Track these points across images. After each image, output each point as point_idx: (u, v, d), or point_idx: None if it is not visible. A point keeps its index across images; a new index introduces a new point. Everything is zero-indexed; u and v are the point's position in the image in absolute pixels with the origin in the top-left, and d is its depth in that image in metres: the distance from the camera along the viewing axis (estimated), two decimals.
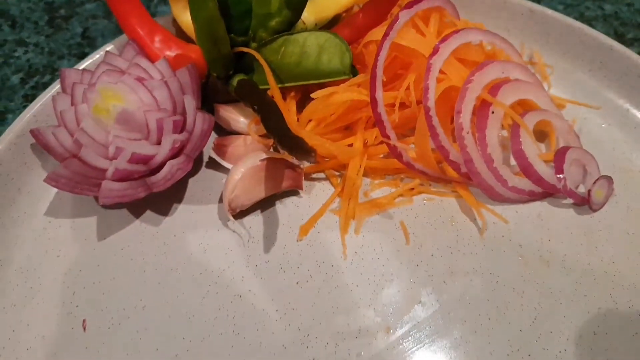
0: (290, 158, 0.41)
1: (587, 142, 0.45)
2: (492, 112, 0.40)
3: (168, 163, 0.37)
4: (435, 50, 0.39)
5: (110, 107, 0.37)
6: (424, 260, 0.39)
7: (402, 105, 0.42)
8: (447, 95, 0.41)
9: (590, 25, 0.58)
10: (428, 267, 0.38)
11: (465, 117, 0.39)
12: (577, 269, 0.38)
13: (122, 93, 0.37)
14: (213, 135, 0.45)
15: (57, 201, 0.42)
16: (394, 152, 0.41)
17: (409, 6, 0.40)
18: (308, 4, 0.48)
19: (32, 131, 0.39)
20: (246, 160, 0.39)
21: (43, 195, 0.42)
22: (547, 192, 0.41)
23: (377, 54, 0.39)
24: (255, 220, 0.41)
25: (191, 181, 0.43)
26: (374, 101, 0.39)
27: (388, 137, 0.40)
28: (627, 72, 0.46)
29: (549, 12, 0.49)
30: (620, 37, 0.57)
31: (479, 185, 0.41)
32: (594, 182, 0.41)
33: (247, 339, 0.35)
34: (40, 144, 0.39)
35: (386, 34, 0.39)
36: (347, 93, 0.40)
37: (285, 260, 0.39)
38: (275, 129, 0.37)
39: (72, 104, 0.39)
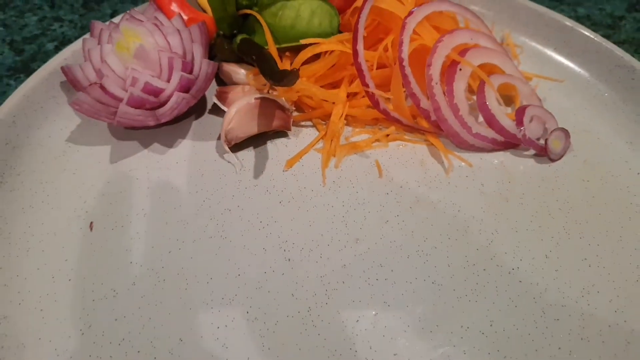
0: (280, 100, 0.47)
1: (552, 110, 0.50)
2: (460, 69, 0.46)
3: (175, 94, 0.44)
4: (410, 13, 0.46)
5: (131, 44, 0.44)
6: (393, 190, 0.44)
7: (383, 66, 0.49)
8: (420, 54, 0.47)
9: None
10: (397, 196, 0.44)
11: (434, 70, 0.46)
12: (534, 205, 0.43)
13: (141, 34, 0.45)
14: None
15: (78, 131, 0.48)
16: (372, 100, 0.47)
17: None
18: None
19: (62, 68, 0.46)
20: (242, 99, 0.46)
21: (66, 125, 0.48)
22: (509, 142, 0.47)
23: (359, 13, 0.46)
24: (248, 154, 0.47)
25: (195, 123, 0.50)
26: (355, 53, 0.46)
27: (367, 86, 0.46)
28: (587, 49, 0.53)
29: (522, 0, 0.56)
30: None
31: (446, 131, 0.46)
32: (551, 132, 0.46)
33: (232, 242, 0.40)
34: (68, 79, 0.46)
35: None
36: (331, 44, 0.47)
37: (271, 185, 0.44)
38: (268, 70, 0.43)
39: (99, 43, 0.46)
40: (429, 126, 0.48)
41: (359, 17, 0.46)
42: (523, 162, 0.47)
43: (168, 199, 0.43)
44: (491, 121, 0.46)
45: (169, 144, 0.48)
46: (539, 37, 0.56)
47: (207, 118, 0.50)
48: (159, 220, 0.42)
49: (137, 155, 0.47)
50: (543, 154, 0.46)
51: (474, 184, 0.45)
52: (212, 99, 0.51)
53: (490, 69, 0.50)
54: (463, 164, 0.46)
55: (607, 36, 0.63)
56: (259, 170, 0.45)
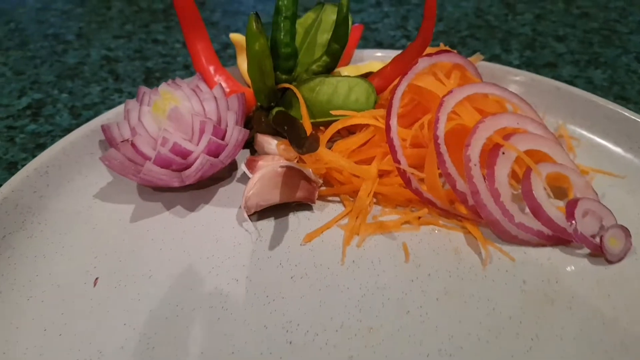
0: (307, 171, 0.46)
1: (611, 207, 0.46)
2: (502, 153, 0.44)
3: (201, 156, 0.44)
4: (449, 92, 0.45)
5: (167, 106, 0.46)
6: (420, 277, 0.40)
7: (419, 146, 0.47)
8: (459, 135, 0.46)
9: None
10: (423, 284, 0.39)
11: (473, 151, 0.43)
12: (585, 311, 0.37)
13: (179, 97, 0.47)
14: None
15: (108, 188, 0.50)
16: (404, 178, 0.45)
17: (429, 55, 0.47)
18: (349, 67, 0.58)
19: (102, 126, 0.49)
20: (267, 166, 0.46)
21: (97, 182, 0.50)
22: (558, 237, 0.42)
23: (395, 88, 0.46)
24: (267, 224, 0.45)
25: (221, 190, 0.50)
26: (388, 128, 0.45)
27: (399, 162, 0.44)
28: None
29: (574, 89, 0.54)
30: None
31: (485, 218, 0.43)
32: (608, 229, 0.41)
33: (232, 315, 0.38)
34: (106, 136, 0.49)
35: (404, 74, 0.46)
36: (364, 118, 0.46)
37: (285, 258, 0.42)
38: (295, 137, 0.43)
39: (139, 104, 0.48)
40: (467, 212, 0.44)
41: (394, 91, 0.46)
42: (575, 261, 0.41)
43: (177, 263, 0.42)
44: (537, 211, 0.42)
45: (192, 207, 0.47)
46: (597, 130, 0.53)
47: (235, 185, 0.50)
48: (163, 284, 0.40)
49: (158, 217, 0.47)
50: (598, 253, 0.41)
51: (514, 280, 0.40)
52: (242, 166, 0.51)
53: (539, 158, 0.47)
54: (504, 257, 0.42)
55: None
56: (275, 242, 0.44)
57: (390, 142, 0.45)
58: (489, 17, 0.91)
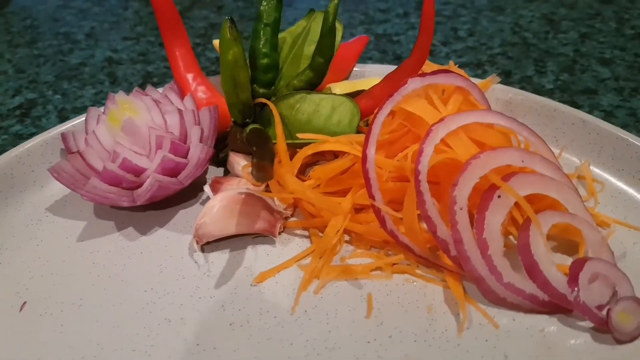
0: (271, 200, 0.42)
1: (633, 271, 0.39)
2: (498, 196, 0.38)
3: (152, 175, 0.41)
4: (441, 120, 0.40)
5: (121, 117, 0.43)
6: (378, 339, 0.35)
7: (404, 179, 0.42)
8: (449, 170, 0.40)
9: None
10: (381, 348, 0.34)
11: (461, 192, 0.37)
12: None
13: (137, 108, 0.44)
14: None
15: (62, 201, 0.47)
16: (378, 216, 0.39)
17: (421, 75, 0.42)
18: (344, 83, 0.53)
19: (62, 134, 0.46)
20: (226, 192, 0.41)
21: (54, 194, 0.48)
22: (555, 304, 0.36)
23: (377, 112, 0.41)
24: (220, 257, 0.41)
25: (182, 212, 0.46)
26: (364, 157, 0.40)
27: (373, 198, 0.39)
28: None
29: (603, 124, 0.47)
30: None
31: (468, 273, 0.37)
32: (618, 301, 0.34)
33: None
34: (65, 145, 0.46)
35: (390, 95, 0.41)
36: (339, 144, 0.42)
37: (230, 300, 0.38)
38: (257, 161, 0.39)
39: (104, 113, 0.46)
40: (450, 263, 0.39)
41: (375, 117, 0.41)
42: (575, 335, 0.35)
43: (111, 293, 0.39)
44: (533, 270, 0.36)
45: (144, 230, 0.44)
46: (626, 174, 0.46)
47: (198, 209, 0.46)
48: (90, 317, 0.37)
49: (107, 238, 0.44)
50: (604, 329, 0.34)
51: (494, 354, 0.34)
52: (205, 188, 0.47)
53: (547, 204, 0.41)
54: (486, 322, 0.36)
55: None
56: (223, 279, 0.39)
57: (365, 173, 0.40)
58: (527, 34, 0.84)
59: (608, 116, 0.62)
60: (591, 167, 0.47)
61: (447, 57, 0.79)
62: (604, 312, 0.35)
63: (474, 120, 0.41)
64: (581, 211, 0.40)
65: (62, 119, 0.66)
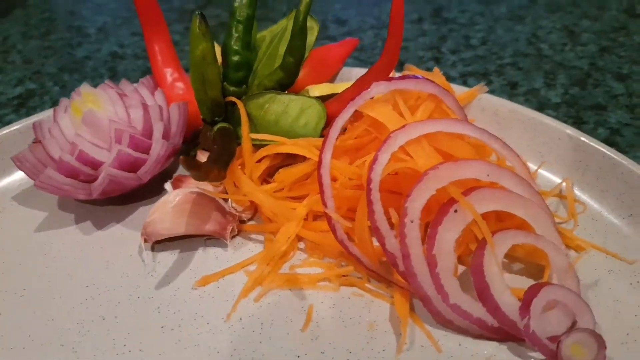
0: (224, 202, 0.41)
1: (602, 300, 0.36)
2: (455, 211, 0.36)
3: (105, 170, 0.41)
4: (402, 126, 0.38)
5: (83, 108, 0.43)
6: (309, 354, 0.33)
7: (363, 186, 0.40)
8: (408, 181, 0.38)
9: None
10: None
11: (414, 204, 0.36)
12: None
13: (100, 100, 0.44)
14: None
15: (29, 192, 0.48)
16: (330, 224, 0.38)
17: (387, 79, 0.40)
18: (324, 85, 0.52)
19: (34, 123, 0.47)
20: (178, 190, 0.41)
21: (21, 184, 0.48)
22: (504, 331, 0.33)
23: (338, 116, 0.39)
24: (167, 258, 0.41)
25: (142, 209, 0.46)
26: (320, 162, 0.38)
27: (325, 204, 0.38)
28: None
29: (591, 142, 0.44)
30: None
31: (414, 291, 0.35)
32: (570, 332, 0.32)
33: (80, 359, 0.33)
34: (34, 134, 0.47)
35: (352, 98, 0.39)
36: (293, 146, 0.40)
37: (167, 302, 0.37)
38: (213, 159, 0.39)
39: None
40: (400, 278, 0.37)
41: (335, 121, 0.39)
42: None
43: (53, 286, 0.39)
44: (484, 293, 0.34)
45: (101, 225, 0.44)
46: (610, 196, 0.42)
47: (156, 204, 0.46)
48: (28, 308, 0.37)
49: (63, 230, 0.44)
50: None
51: None
52: (166, 185, 0.47)
53: (513, 223, 0.39)
54: (429, 344, 0.34)
55: None
56: (166, 280, 0.39)
57: (319, 178, 0.38)
58: (543, 46, 0.80)
59: (614, 134, 0.58)
60: (575, 186, 0.44)
61: (453, 65, 0.76)
62: (555, 344, 0.32)
63: (439, 129, 0.39)
64: (550, 233, 0.37)
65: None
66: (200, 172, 0.36)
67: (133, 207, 0.46)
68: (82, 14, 1.01)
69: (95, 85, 0.47)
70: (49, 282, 0.39)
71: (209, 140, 0.48)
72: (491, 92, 0.68)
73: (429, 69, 0.75)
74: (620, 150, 0.55)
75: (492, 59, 0.78)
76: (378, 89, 0.40)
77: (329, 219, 0.38)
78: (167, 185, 0.45)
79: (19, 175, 0.49)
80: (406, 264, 0.35)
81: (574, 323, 0.33)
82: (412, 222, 0.35)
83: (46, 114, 0.52)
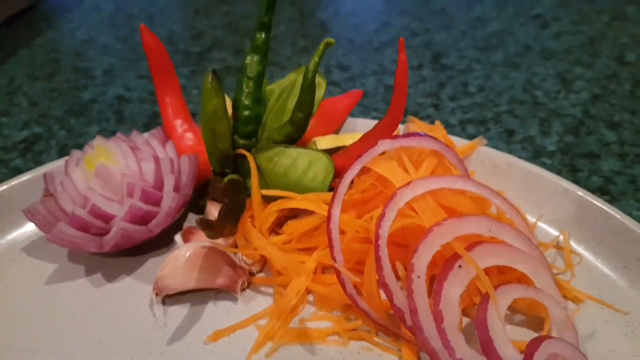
0: (235, 255, 0.42)
1: (599, 351, 0.38)
2: (459, 267, 0.38)
3: (117, 223, 0.42)
4: (407, 183, 0.40)
5: (96, 162, 0.45)
6: None
7: (370, 240, 0.42)
8: (414, 236, 0.40)
9: None
10: None
11: (419, 259, 0.37)
12: None
13: (112, 154, 0.46)
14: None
15: (39, 242, 0.49)
16: (339, 278, 0.39)
17: (392, 137, 0.42)
18: (331, 137, 0.54)
19: (44, 174, 0.49)
20: (190, 244, 0.42)
21: (34, 234, 0.49)
22: None
23: (347, 173, 0.41)
24: (179, 312, 0.42)
25: (152, 260, 0.47)
26: (329, 217, 0.40)
27: (334, 259, 0.39)
28: None
29: (587, 195, 0.46)
30: None
31: (422, 345, 0.36)
32: None
33: None
34: (45, 186, 0.48)
35: (359, 155, 0.42)
36: (306, 202, 0.42)
37: (179, 358, 0.38)
38: (222, 214, 0.40)
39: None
40: (407, 332, 0.38)
41: (344, 177, 0.41)
42: None
43: (66, 342, 0.40)
44: (487, 347, 0.35)
45: (112, 277, 0.45)
46: (604, 248, 0.44)
47: (166, 257, 0.47)
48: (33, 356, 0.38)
49: (74, 283, 0.45)
50: None
51: None
52: (176, 237, 0.48)
53: (515, 277, 0.40)
54: None
55: None
56: (177, 335, 0.40)
57: (329, 233, 0.40)
58: (538, 92, 0.84)
59: (607, 182, 0.60)
60: (571, 238, 0.46)
61: (452, 112, 0.79)
62: None
63: (443, 186, 0.41)
64: (549, 286, 0.39)
65: (63, 155, 0.69)
66: (214, 231, 0.38)
67: (143, 258, 0.47)
68: (88, 55, 1.04)
69: (103, 131, 0.48)
70: (60, 337, 0.40)
71: (219, 190, 0.50)
72: (489, 139, 0.71)
73: (429, 116, 0.78)
74: (613, 198, 0.58)
75: (489, 106, 0.81)
76: (384, 146, 0.42)
77: (338, 274, 0.40)
78: (178, 238, 0.46)
79: (29, 226, 0.50)
80: (414, 319, 0.37)
81: None
82: (419, 277, 0.37)
83: (55, 164, 0.53)
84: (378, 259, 0.38)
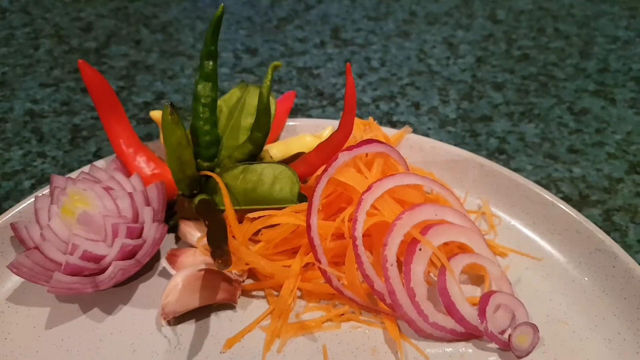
0: (228, 271, 0.48)
1: (526, 292, 0.49)
2: (419, 249, 0.47)
3: (113, 263, 0.45)
4: (368, 188, 0.48)
5: (75, 209, 0.46)
6: None
7: (342, 236, 0.49)
8: (380, 229, 0.48)
9: (556, 185, 0.65)
10: None
11: (390, 250, 0.46)
12: None
13: (88, 198, 0.47)
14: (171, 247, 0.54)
15: (21, 290, 0.50)
16: (325, 276, 0.47)
17: (349, 149, 0.49)
18: (279, 144, 0.59)
19: (12, 224, 0.49)
20: (186, 269, 0.47)
21: (11, 284, 0.50)
22: (471, 333, 0.45)
23: (316, 186, 0.48)
24: (187, 328, 0.47)
25: (142, 286, 0.51)
26: (308, 226, 0.47)
27: (319, 261, 0.47)
28: (567, 228, 0.52)
29: (497, 167, 0.58)
30: (583, 198, 0.63)
31: (402, 317, 0.46)
32: (516, 327, 0.44)
33: None
34: (17, 237, 0.49)
35: (325, 170, 0.48)
36: (284, 217, 0.48)
37: None
38: (214, 241, 0.45)
39: (51, 203, 0.49)
40: (385, 307, 0.47)
41: (314, 190, 0.48)
42: (486, 355, 0.45)
43: None
44: (450, 309, 0.45)
45: (109, 310, 0.48)
46: (517, 210, 0.57)
47: (156, 281, 0.51)
48: None
49: (74, 322, 0.47)
50: (507, 349, 0.44)
51: None
52: (162, 261, 0.52)
53: (460, 247, 0.50)
54: (419, 354, 0.45)
55: (602, 201, 0.63)
56: (194, 350, 0.45)
57: (310, 241, 0.47)
58: (431, 62, 0.94)
59: (502, 142, 0.73)
60: (490, 204, 0.58)
61: (364, 90, 0.87)
62: (506, 335, 0.45)
63: (395, 184, 0.49)
64: (484, 250, 0.50)
65: None
66: (227, 259, 0.42)
67: (133, 285, 0.50)
68: None
69: (27, 154, 0.49)
70: None
71: (188, 210, 0.54)
72: (400, 114, 0.80)
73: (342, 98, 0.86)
74: (509, 156, 0.70)
75: (393, 80, 0.90)
76: (344, 157, 0.49)
77: (323, 272, 0.47)
78: (164, 262, 0.50)
79: (4, 277, 0.50)
80: (393, 299, 0.45)
81: (513, 316, 0.46)
82: (392, 265, 0.46)
83: (17, 217, 0.53)
84: (358, 256, 0.46)
